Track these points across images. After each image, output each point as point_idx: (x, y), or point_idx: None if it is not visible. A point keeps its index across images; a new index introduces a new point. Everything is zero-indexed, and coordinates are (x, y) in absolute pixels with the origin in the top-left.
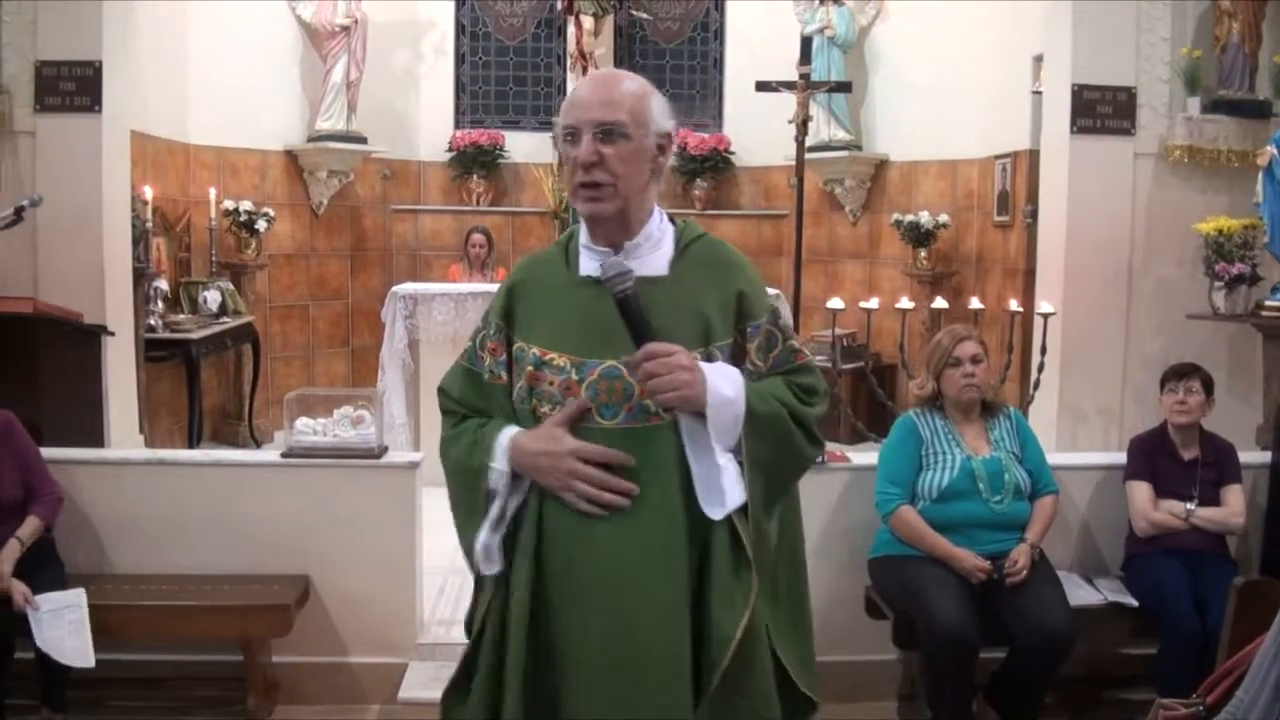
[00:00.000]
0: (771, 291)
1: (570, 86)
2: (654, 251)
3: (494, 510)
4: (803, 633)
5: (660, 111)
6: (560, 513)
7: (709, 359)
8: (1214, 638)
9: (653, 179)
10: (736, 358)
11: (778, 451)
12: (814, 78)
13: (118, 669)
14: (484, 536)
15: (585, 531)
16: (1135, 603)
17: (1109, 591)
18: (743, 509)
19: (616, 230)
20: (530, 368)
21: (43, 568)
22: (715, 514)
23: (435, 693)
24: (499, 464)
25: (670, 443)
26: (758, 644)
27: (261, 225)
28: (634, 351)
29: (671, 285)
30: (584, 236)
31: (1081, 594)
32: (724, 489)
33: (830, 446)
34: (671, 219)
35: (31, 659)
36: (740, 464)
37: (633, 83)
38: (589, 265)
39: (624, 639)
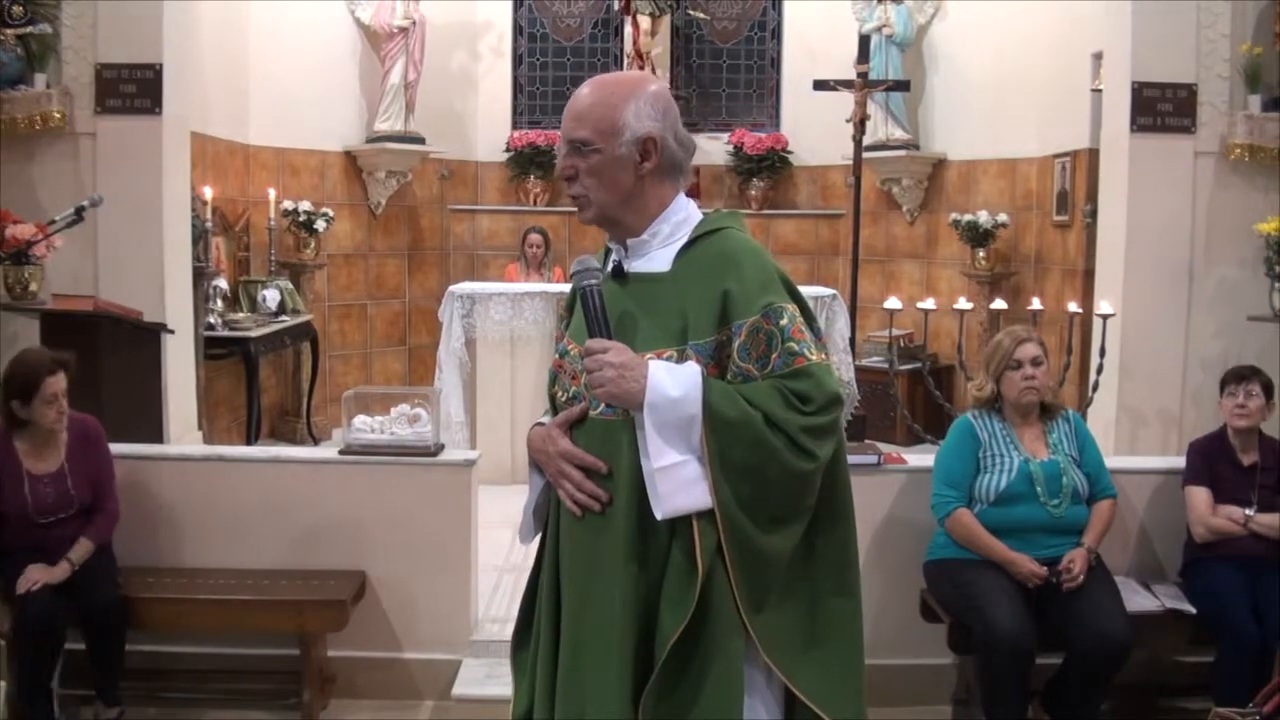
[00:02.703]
0: (827, 292)
1: None
2: (662, 248)
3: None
4: (838, 659)
5: (639, 116)
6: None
7: (683, 358)
8: (1272, 647)
9: (654, 179)
10: (721, 358)
11: (751, 458)
12: (872, 76)
13: (175, 661)
14: (524, 508)
15: (572, 516)
16: (1193, 610)
17: (1167, 598)
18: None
19: (616, 232)
20: (556, 356)
21: (97, 564)
22: (656, 512)
23: (489, 690)
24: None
25: (630, 436)
26: (709, 648)
27: (320, 225)
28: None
29: (667, 283)
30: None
31: (1139, 600)
32: (657, 489)
33: (886, 448)
34: (713, 218)
35: (83, 651)
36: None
37: (608, 92)
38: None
39: (579, 623)
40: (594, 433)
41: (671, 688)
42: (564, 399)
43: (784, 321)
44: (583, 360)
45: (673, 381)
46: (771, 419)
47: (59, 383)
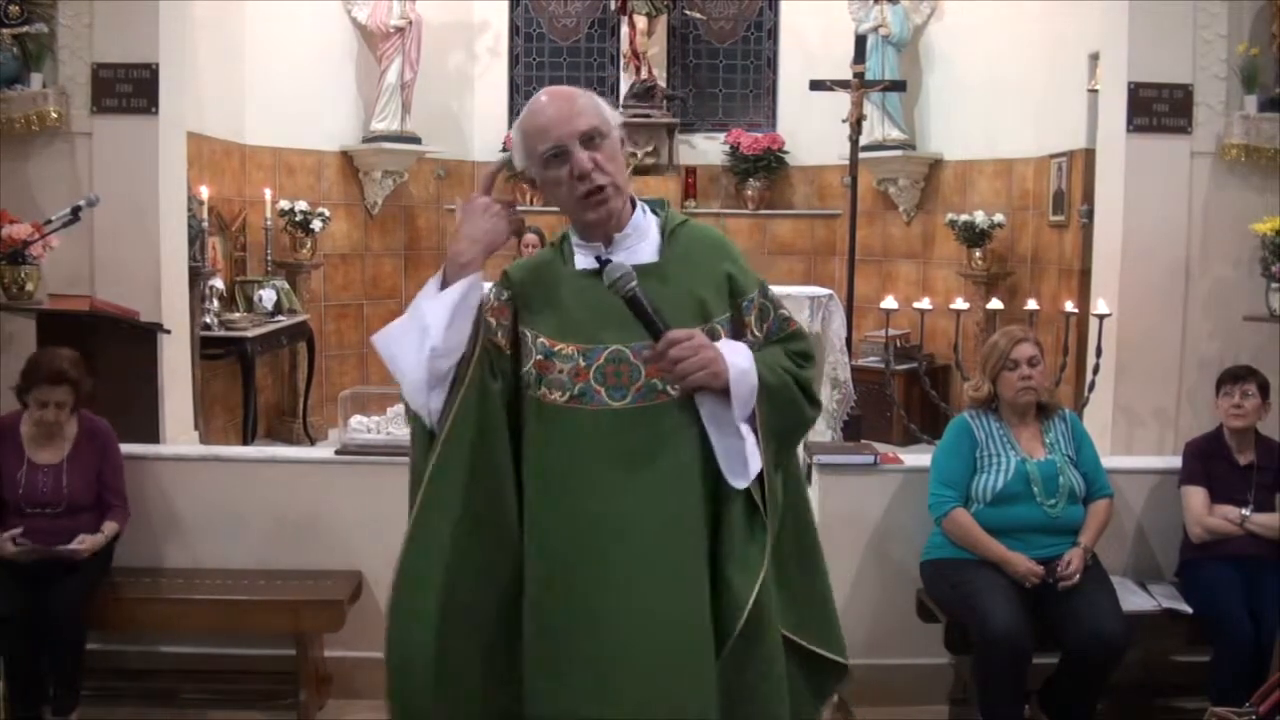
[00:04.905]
0: (824, 291)
1: (621, 87)
2: (641, 241)
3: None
4: (818, 592)
5: (609, 110)
6: (582, 488)
7: (713, 335)
8: (1268, 646)
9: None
10: (737, 332)
11: (787, 417)
12: (868, 77)
13: (171, 661)
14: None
15: (604, 508)
16: (1189, 609)
17: (1163, 598)
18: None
19: (611, 225)
20: (539, 357)
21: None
22: (739, 483)
23: None
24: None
25: (681, 417)
26: (768, 602)
27: (317, 225)
28: (642, 337)
29: (663, 271)
30: (575, 236)
31: (1135, 600)
32: (747, 459)
33: (883, 448)
34: (653, 209)
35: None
36: (755, 432)
37: (577, 92)
38: (584, 260)
39: (646, 613)
40: (645, 418)
41: (743, 649)
42: (564, 399)
43: (771, 294)
44: (668, 353)
45: (740, 355)
46: (797, 379)
47: (54, 394)
